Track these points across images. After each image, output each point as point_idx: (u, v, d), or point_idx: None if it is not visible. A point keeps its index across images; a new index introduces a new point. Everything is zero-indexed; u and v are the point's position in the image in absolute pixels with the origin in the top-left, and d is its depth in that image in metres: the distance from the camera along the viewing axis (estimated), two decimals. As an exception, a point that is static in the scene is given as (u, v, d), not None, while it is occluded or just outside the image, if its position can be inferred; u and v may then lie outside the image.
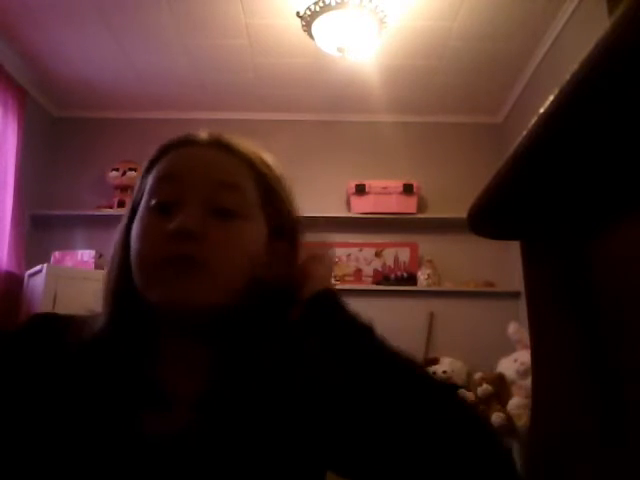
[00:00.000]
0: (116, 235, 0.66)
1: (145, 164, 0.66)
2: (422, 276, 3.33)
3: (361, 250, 3.39)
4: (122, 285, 0.62)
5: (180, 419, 0.58)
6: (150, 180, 0.63)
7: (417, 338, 3.21)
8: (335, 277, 3.11)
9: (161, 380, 0.60)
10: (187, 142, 0.66)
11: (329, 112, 3.65)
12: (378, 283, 3.33)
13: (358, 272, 3.35)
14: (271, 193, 0.66)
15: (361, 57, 2.93)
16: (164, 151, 0.65)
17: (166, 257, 0.57)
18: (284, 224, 0.67)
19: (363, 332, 0.60)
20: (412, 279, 3.34)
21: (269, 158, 0.69)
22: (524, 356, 2.69)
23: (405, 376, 0.56)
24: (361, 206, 3.41)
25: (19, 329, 0.65)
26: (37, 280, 2.75)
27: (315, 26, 2.58)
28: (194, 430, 0.57)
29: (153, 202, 0.61)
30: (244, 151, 0.66)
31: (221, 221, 0.60)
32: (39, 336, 0.63)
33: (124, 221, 0.66)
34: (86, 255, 2.99)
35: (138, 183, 0.66)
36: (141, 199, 0.64)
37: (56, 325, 0.64)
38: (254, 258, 0.62)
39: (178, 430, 0.57)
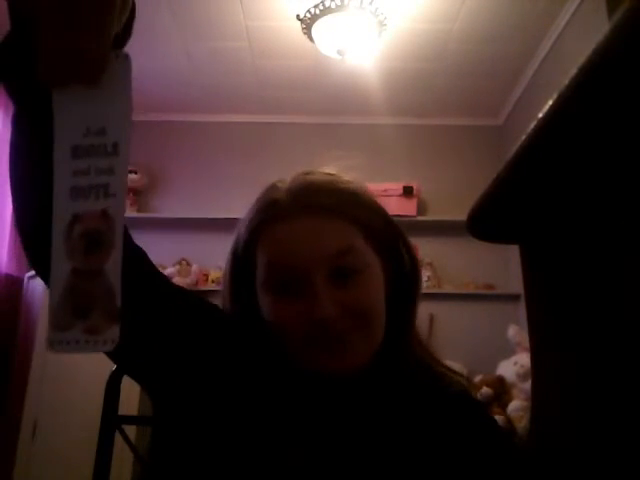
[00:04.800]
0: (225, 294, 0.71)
1: (246, 233, 0.67)
2: (422, 278, 3.33)
3: (361, 252, 3.39)
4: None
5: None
6: (263, 263, 0.64)
7: (417, 340, 3.21)
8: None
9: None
10: (279, 216, 0.65)
11: (329, 114, 3.65)
12: (378, 285, 3.33)
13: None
14: (370, 223, 0.67)
15: (361, 60, 2.93)
16: (261, 226, 0.66)
17: (312, 337, 0.60)
18: (388, 240, 0.69)
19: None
20: (412, 281, 3.33)
21: (348, 180, 0.71)
22: (524, 359, 2.69)
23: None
24: (361, 208, 3.40)
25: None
26: (37, 282, 2.75)
27: (315, 29, 2.58)
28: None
29: (275, 287, 0.63)
30: (338, 202, 0.65)
31: (349, 281, 0.62)
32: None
33: (228, 276, 0.70)
34: (86, 257, 2.98)
35: (242, 245, 0.68)
36: (247, 261, 0.66)
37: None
38: (382, 300, 0.66)
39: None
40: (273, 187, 0.69)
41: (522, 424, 2.49)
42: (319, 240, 0.63)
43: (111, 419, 1.00)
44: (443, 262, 3.42)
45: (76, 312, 0.40)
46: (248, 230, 0.67)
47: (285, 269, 0.62)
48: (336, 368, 0.61)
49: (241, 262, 0.68)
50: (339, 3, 2.44)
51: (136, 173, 3.48)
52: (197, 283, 3.22)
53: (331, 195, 0.66)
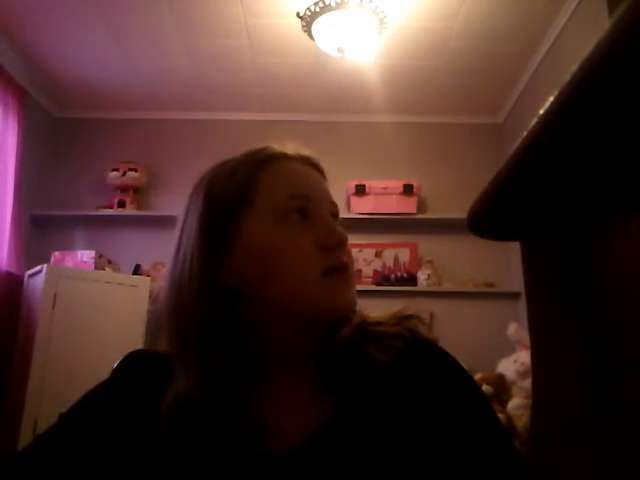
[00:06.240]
0: (193, 246, 0.70)
1: (249, 167, 0.70)
2: (422, 276, 3.33)
3: (361, 251, 3.39)
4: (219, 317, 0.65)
5: (295, 438, 0.61)
6: (280, 194, 0.66)
7: (417, 338, 3.21)
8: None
9: (270, 406, 0.63)
10: (287, 157, 0.70)
11: (329, 112, 3.65)
12: (378, 284, 3.33)
13: (358, 273, 3.35)
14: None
15: (361, 57, 2.93)
16: (267, 160, 0.70)
17: (330, 267, 0.63)
18: None
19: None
20: (412, 279, 3.33)
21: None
22: (524, 357, 2.69)
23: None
24: (361, 206, 3.41)
25: (118, 370, 0.71)
26: (37, 280, 2.75)
27: (315, 26, 2.58)
28: (309, 446, 0.61)
29: (291, 216, 0.65)
30: (321, 167, 0.74)
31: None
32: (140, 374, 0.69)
33: (201, 229, 0.69)
34: (86, 255, 2.99)
35: (242, 178, 0.69)
36: (243, 198, 0.67)
37: (152, 362, 0.70)
38: None
39: (296, 446, 0.61)
40: (258, 148, 0.73)
41: (522, 422, 2.49)
42: (324, 187, 0.71)
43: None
44: (443, 260, 3.42)
45: None
46: (252, 165, 0.70)
47: (304, 198, 0.66)
48: (348, 299, 0.64)
49: (224, 211, 0.69)
50: (339, 1, 2.43)
51: (136, 171, 3.47)
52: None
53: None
